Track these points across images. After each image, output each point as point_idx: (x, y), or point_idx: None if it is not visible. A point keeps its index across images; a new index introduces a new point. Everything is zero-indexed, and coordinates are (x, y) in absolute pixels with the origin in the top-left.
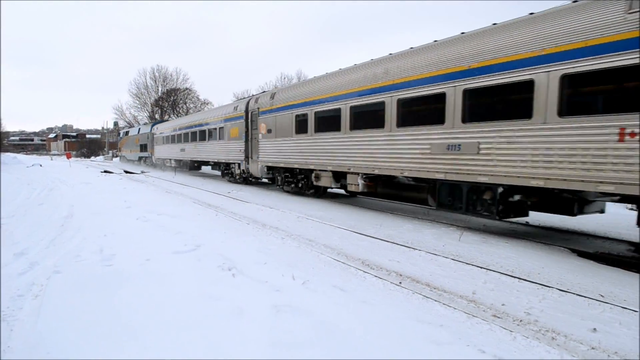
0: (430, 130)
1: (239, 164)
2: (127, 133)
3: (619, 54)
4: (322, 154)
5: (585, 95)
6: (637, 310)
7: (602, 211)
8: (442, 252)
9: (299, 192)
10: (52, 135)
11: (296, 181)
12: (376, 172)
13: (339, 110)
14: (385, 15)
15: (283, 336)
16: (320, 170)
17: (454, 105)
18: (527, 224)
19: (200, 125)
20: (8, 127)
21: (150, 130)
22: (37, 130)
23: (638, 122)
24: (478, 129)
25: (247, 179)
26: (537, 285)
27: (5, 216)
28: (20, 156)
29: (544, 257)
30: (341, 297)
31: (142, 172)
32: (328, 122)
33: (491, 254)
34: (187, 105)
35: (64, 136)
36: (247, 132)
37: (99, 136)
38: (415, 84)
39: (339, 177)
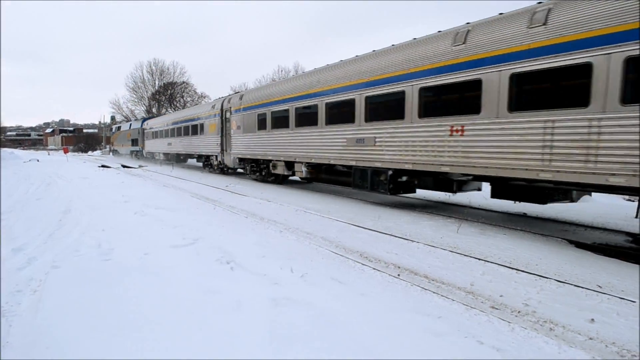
0: (346, 128)
1: (216, 156)
2: (119, 128)
3: (446, 75)
4: (277, 147)
5: (432, 104)
6: (635, 300)
7: (479, 189)
8: (440, 244)
9: (263, 179)
10: (49, 130)
11: (260, 170)
12: (313, 161)
13: (287, 110)
14: (383, 9)
15: (282, 329)
16: (276, 160)
17: (360, 108)
18: (524, 215)
19: (185, 121)
20: (5, 122)
21: (141, 125)
22: (34, 125)
23: (460, 122)
24: (374, 126)
25: (223, 170)
26: (535, 277)
27: (3, 211)
28: (18, 151)
29: (541, 248)
30: (340, 290)
31: (140, 166)
32: (281, 120)
33: (489, 245)
34: (185, 99)
35: (61, 131)
36: (222, 128)
37: (96, 130)
38: (336, 91)
39: (290, 166)
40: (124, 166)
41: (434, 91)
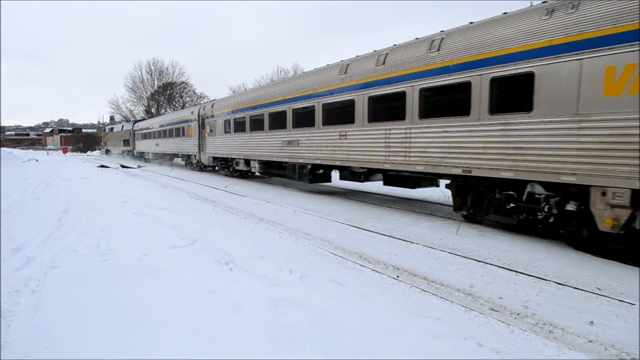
0: (282, 132)
1: (195, 155)
2: (112, 129)
3: (333, 96)
4: (238, 148)
5: (328, 116)
6: (635, 303)
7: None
8: (439, 245)
9: (230, 175)
10: (48, 130)
11: (227, 167)
12: (262, 158)
13: (244, 117)
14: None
15: (281, 330)
16: (238, 159)
17: (289, 117)
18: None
19: (171, 124)
20: (4, 121)
21: (132, 127)
22: (33, 125)
23: (344, 129)
24: (298, 132)
25: (201, 167)
26: (534, 279)
27: (2, 211)
28: (17, 151)
29: (540, 250)
30: (339, 291)
31: (139, 166)
32: (240, 125)
33: (488, 247)
34: (184, 99)
35: (60, 131)
36: (199, 131)
37: (95, 130)
38: (274, 104)
39: (248, 163)
40: (123, 166)
41: (330, 107)
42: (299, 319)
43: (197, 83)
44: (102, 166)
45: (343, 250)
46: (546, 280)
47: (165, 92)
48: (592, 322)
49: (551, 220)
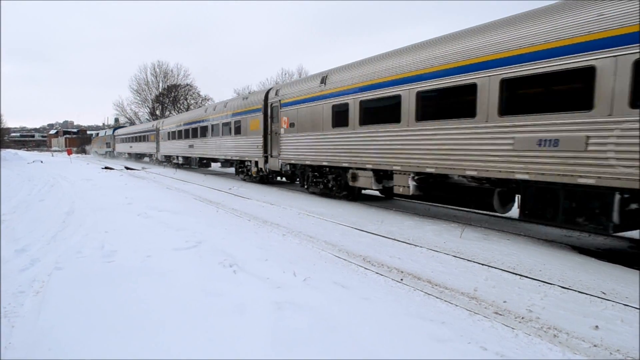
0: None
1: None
2: (97, 134)
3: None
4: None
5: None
6: (639, 307)
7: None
8: (443, 248)
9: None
10: (52, 132)
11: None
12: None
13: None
14: (388, 10)
15: (284, 333)
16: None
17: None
18: (525, 220)
19: (140, 131)
20: (9, 123)
21: (113, 133)
22: (37, 127)
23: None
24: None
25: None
26: (538, 282)
27: (6, 212)
28: (21, 152)
29: (545, 254)
30: (342, 294)
31: (143, 168)
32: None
33: (492, 250)
34: (188, 101)
35: (65, 132)
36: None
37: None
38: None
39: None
40: (127, 168)
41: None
42: (302, 322)
43: (202, 85)
44: (106, 168)
45: (347, 253)
46: (551, 284)
47: (170, 94)
48: (597, 326)
49: None
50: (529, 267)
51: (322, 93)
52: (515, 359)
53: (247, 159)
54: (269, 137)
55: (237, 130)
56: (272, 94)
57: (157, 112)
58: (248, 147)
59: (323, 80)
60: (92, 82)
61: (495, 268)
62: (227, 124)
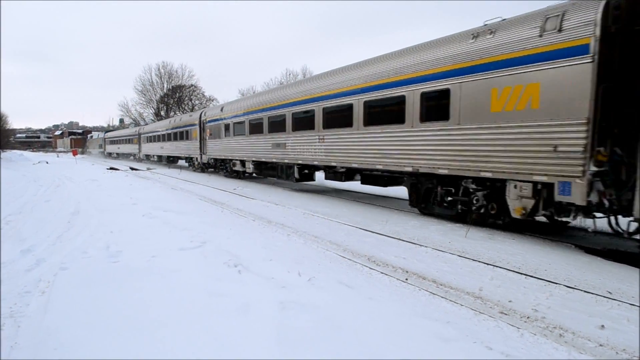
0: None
1: (196, 157)
2: (92, 137)
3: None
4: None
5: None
6: (639, 305)
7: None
8: (448, 248)
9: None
10: (58, 133)
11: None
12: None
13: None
14: (393, 11)
15: (289, 332)
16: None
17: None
18: (533, 219)
19: (126, 135)
20: (14, 124)
21: (104, 136)
22: (43, 128)
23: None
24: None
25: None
26: (544, 282)
27: (12, 213)
28: (27, 153)
29: (550, 254)
30: (347, 294)
31: (148, 168)
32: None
33: (497, 250)
34: (193, 101)
35: (70, 133)
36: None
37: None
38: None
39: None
40: (132, 169)
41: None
42: (307, 322)
43: (207, 86)
44: (111, 168)
45: (352, 252)
46: (556, 283)
47: (175, 95)
48: (603, 325)
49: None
50: (534, 266)
51: (221, 116)
52: (520, 358)
53: (192, 155)
54: (202, 142)
55: (187, 136)
56: (202, 115)
57: (162, 113)
58: (192, 148)
59: (222, 109)
60: (97, 83)
61: (500, 268)
62: (181, 133)
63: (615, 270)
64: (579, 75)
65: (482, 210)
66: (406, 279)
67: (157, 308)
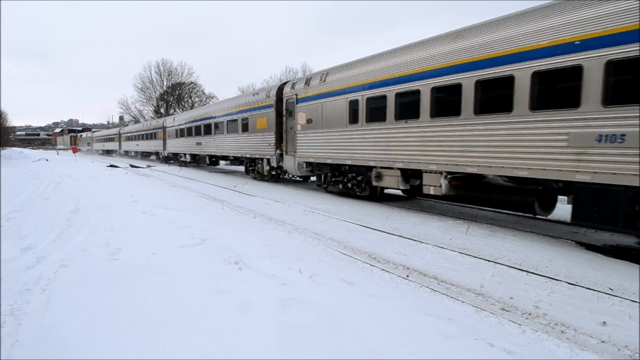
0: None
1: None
2: (81, 136)
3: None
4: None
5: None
6: (639, 301)
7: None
8: (449, 245)
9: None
10: (58, 130)
11: (177, 159)
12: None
13: (178, 129)
14: (391, 8)
15: (290, 330)
16: (181, 153)
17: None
18: (534, 216)
19: (109, 134)
20: (14, 122)
21: (91, 135)
22: (43, 125)
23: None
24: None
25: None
26: (545, 279)
27: (12, 210)
28: (27, 151)
29: (551, 250)
30: (348, 291)
31: (148, 166)
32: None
33: (498, 247)
34: (192, 99)
35: (70, 130)
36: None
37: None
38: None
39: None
40: (132, 166)
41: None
42: (308, 319)
43: (206, 83)
44: (111, 166)
45: (352, 249)
46: (557, 280)
47: (174, 93)
48: (604, 322)
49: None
50: (535, 263)
51: (173, 124)
52: (522, 355)
53: (158, 151)
54: (164, 142)
55: (154, 137)
56: (164, 122)
57: (162, 110)
58: (158, 145)
59: (174, 119)
60: (96, 80)
61: (501, 264)
62: (151, 134)
63: (616, 267)
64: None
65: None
66: (407, 276)
67: (157, 306)
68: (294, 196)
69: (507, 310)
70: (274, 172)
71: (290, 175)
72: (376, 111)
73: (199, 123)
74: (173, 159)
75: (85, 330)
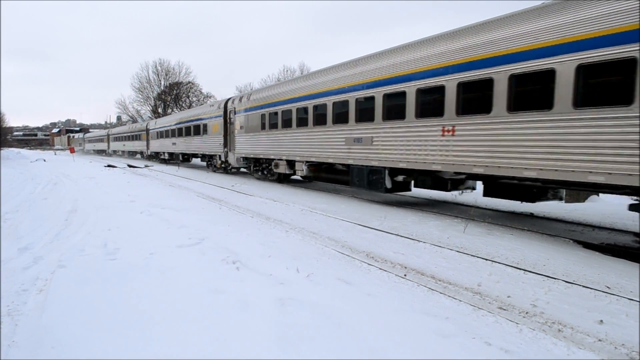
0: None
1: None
2: (73, 136)
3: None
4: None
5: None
6: (639, 300)
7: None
8: (446, 244)
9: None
10: (55, 130)
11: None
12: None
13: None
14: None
15: (288, 329)
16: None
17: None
18: (531, 215)
19: (99, 135)
20: (12, 122)
21: (83, 136)
22: (40, 125)
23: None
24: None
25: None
26: (542, 277)
27: (9, 211)
28: (24, 151)
29: (549, 249)
30: (346, 290)
31: (146, 166)
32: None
33: (496, 245)
34: (190, 99)
35: (68, 131)
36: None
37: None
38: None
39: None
40: (130, 166)
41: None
42: (306, 318)
43: (204, 83)
44: (109, 166)
45: (350, 249)
46: (555, 278)
47: (172, 92)
48: (601, 320)
49: None
50: (532, 261)
51: (152, 127)
52: (519, 354)
53: (142, 150)
54: (148, 142)
55: (139, 138)
56: (148, 125)
57: (160, 110)
58: (140, 145)
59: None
60: (94, 81)
61: (499, 263)
62: (134, 135)
63: (614, 265)
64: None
65: None
66: (405, 275)
67: (155, 305)
68: (292, 196)
69: (504, 309)
70: (223, 165)
71: (234, 167)
72: (273, 122)
73: (174, 127)
74: (155, 157)
75: (82, 331)
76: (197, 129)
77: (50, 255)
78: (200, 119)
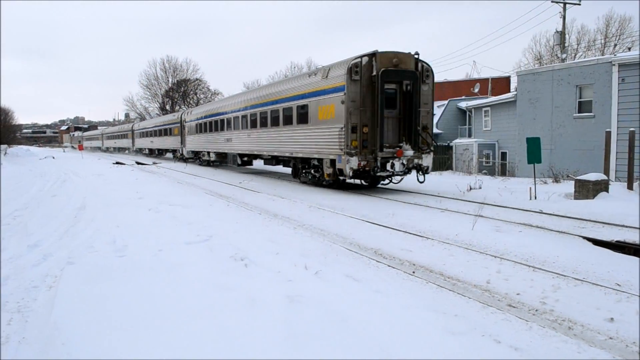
0: (222, 134)
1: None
2: (73, 135)
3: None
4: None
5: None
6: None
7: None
8: (455, 241)
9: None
10: (64, 128)
11: (199, 158)
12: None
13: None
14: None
15: (297, 326)
16: (205, 151)
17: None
18: (540, 212)
19: (95, 134)
20: (21, 119)
21: (82, 134)
22: (49, 123)
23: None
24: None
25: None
26: (552, 274)
27: (19, 208)
28: (33, 148)
29: (558, 246)
30: (354, 287)
31: (154, 163)
32: (203, 127)
33: (505, 242)
34: (198, 95)
35: (76, 128)
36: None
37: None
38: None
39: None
40: (138, 163)
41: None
42: (314, 315)
43: (211, 79)
44: (117, 163)
45: (358, 246)
46: (564, 276)
47: (180, 89)
48: (612, 318)
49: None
50: (542, 258)
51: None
52: (529, 352)
53: (127, 147)
54: (133, 140)
55: (127, 137)
56: (134, 126)
57: (167, 107)
58: (127, 143)
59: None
60: (102, 78)
61: (507, 260)
62: (124, 134)
63: (624, 263)
64: (178, 127)
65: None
66: (413, 272)
67: (163, 302)
68: (299, 193)
69: (513, 307)
70: (181, 156)
71: (188, 158)
72: (203, 128)
73: (153, 129)
74: (140, 150)
75: (91, 327)
76: (166, 132)
77: (60, 252)
78: (168, 124)
